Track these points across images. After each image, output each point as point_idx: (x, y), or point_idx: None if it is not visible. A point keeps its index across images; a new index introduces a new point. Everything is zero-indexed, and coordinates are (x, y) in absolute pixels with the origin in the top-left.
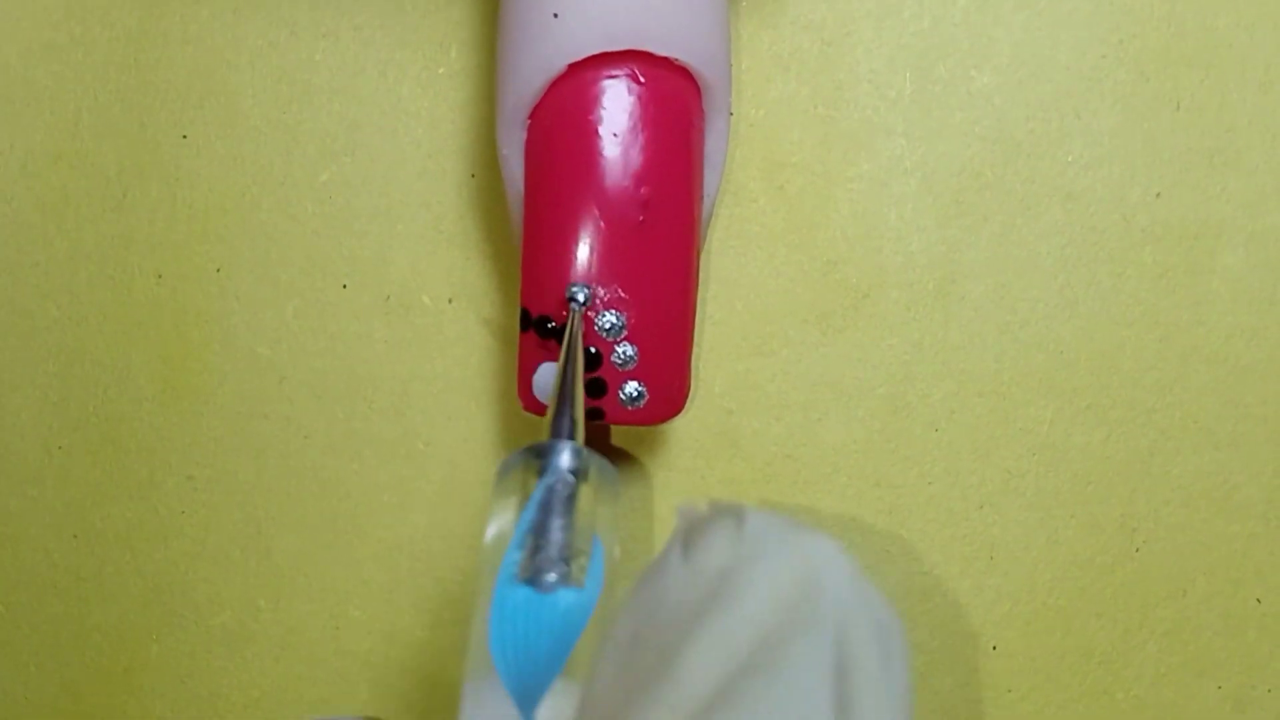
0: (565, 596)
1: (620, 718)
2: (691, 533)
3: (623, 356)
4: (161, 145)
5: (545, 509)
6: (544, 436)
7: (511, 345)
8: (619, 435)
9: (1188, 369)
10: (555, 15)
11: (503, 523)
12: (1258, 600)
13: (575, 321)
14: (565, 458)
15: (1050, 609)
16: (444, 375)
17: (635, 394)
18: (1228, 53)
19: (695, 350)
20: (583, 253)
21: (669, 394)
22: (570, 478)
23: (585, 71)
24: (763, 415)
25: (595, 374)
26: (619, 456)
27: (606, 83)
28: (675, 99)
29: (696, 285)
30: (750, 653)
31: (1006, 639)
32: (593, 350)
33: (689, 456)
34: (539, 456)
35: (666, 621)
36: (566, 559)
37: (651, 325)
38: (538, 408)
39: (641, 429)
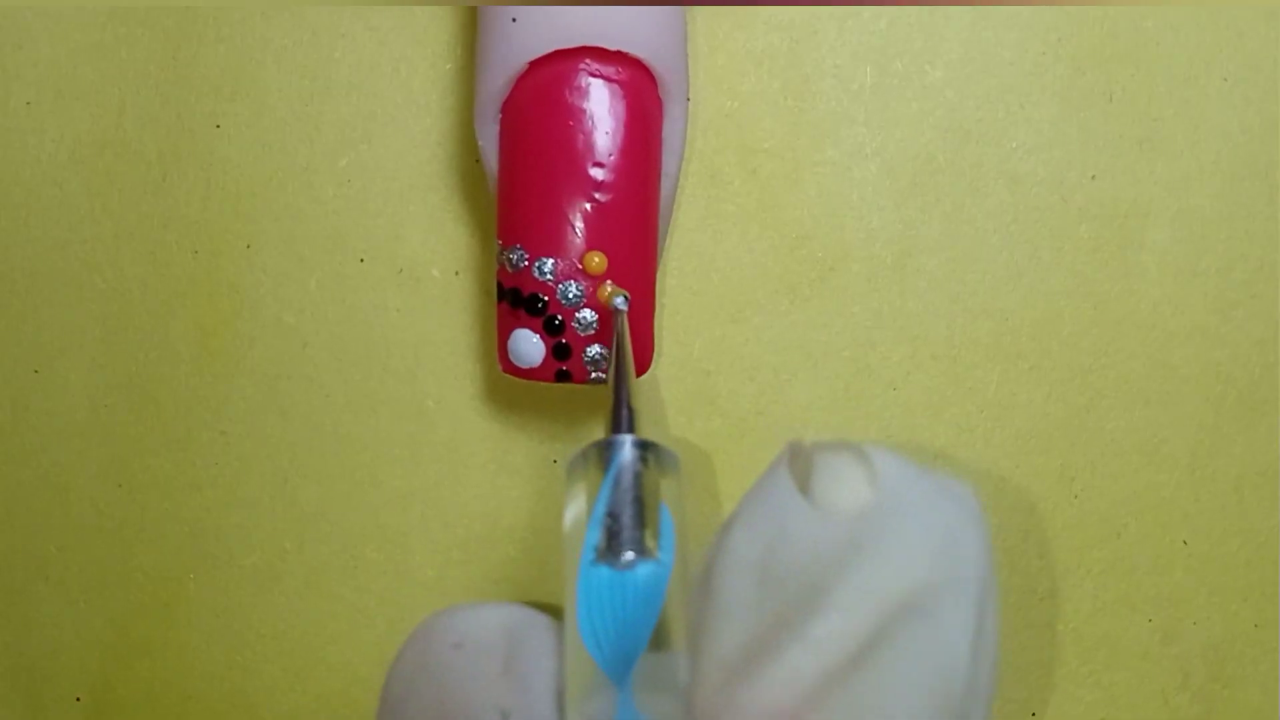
0: (643, 569)
1: (765, 644)
2: (802, 465)
3: (583, 322)
4: (197, 134)
5: (616, 494)
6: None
7: None
8: None
9: (1120, 334)
10: (514, 20)
11: (576, 510)
12: (1184, 542)
13: (620, 325)
14: (629, 447)
15: (997, 549)
16: (451, 340)
17: (597, 355)
18: (1155, 50)
19: (675, 318)
20: (547, 231)
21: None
22: (636, 464)
23: (545, 67)
24: (737, 376)
25: (561, 338)
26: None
27: (563, 76)
28: (629, 89)
29: (656, 257)
30: (901, 600)
31: None
32: (559, 320)
33: (671, 414)
34: (605, 449)
35: (804, 558)
36: (640, 536)
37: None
38: (514, 370)
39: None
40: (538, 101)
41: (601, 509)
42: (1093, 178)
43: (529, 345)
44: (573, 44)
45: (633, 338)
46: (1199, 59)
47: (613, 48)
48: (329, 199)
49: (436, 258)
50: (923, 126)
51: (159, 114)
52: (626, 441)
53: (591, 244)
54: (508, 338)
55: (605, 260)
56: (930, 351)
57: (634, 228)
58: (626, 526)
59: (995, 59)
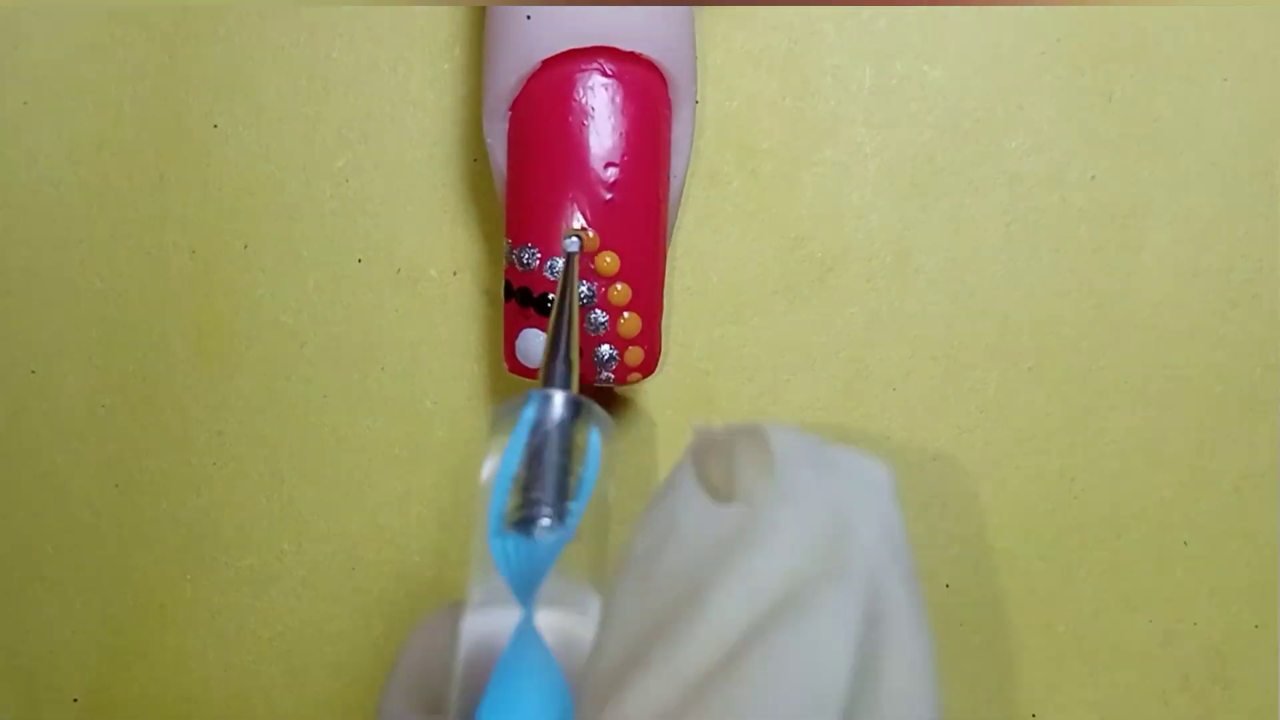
0: (555, 537)
1: (646, 643)
2: (707, 453)
3: (594, 323)
4: (194, 134)
5: (534, 452)
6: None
7: None
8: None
9: (1120, 335)
10: (528, 17)
11: (496, 464)
12: (1184, 543)
13: (570, 270)
14: (556, 403)
15: (998, 551)
16: (449, 340)
17: (607, 356)
18: (1155, 50)
19: (675, 318)
20: (560, 231)
21: (642, 356)
22: (559, 421)
23: (557, 67)
24: (736, 376)
25: None
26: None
27: (577, 76)
28: (641, 89)
29: (665, 257)
30: (781, 596)
31: (958, 578)
32: None
33: (669, 413)
34: (533, 402)
35: (690, 551)
36: (557, 502)
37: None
38: (522, 370)
39: (625, 388)
40: (550, 100)
41: (515, 462)
42: (1093, 178)
43: (538, 345)
44: (587, 43)
45: (643, 339)
46: (1199, 59)
47: (627, 48)
48: (326, 199)
49: (434, 258)
50: (922, 126)
51: (157, 114)
52: (555, 395)
53: (603, 244)
54: (516, 337)
55: (618, 260)
56: (930, 352)
57: (645, 228)
58: (546, 493)
59: (995, 59)
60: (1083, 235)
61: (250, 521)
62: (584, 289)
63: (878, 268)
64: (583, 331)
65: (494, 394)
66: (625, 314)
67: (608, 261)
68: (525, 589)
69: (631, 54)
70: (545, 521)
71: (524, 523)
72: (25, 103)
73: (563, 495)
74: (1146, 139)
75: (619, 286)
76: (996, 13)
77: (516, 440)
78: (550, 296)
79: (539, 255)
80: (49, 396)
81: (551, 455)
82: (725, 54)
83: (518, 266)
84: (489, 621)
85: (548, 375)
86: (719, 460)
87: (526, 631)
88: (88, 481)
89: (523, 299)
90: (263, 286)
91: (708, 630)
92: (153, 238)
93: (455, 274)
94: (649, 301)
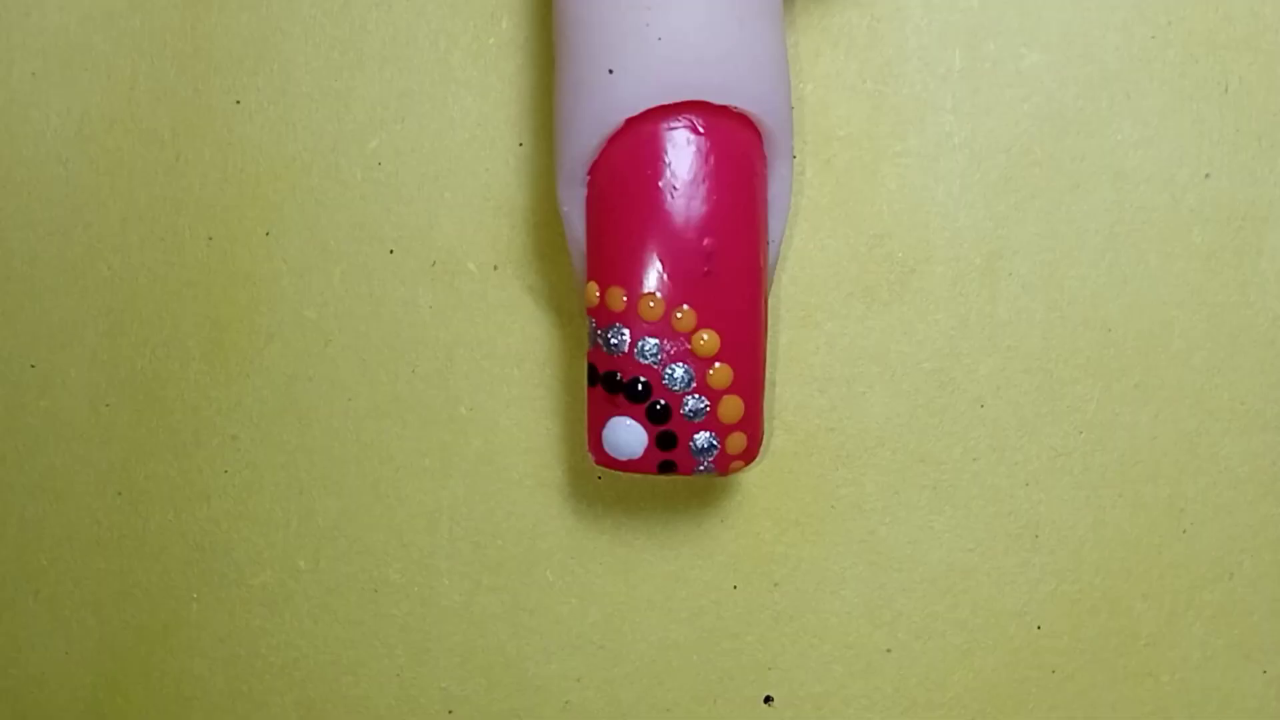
0: None
1: None
2: None
3: (692, 409)
4: (214, 110)
5: None
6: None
7: (557, 313)
8: None
9: (1236, 350)
10: (610, 71)
11: None
12: None
13: None
14: None
15: (1096, 589)
16: (487, 341)
17: (706, 445)
18: (1275, 37)
19: None
20: (650, 307)
21: (745, 442)
22: None
23: (643, 125)
24: (806, 387)
25: (665, 427)
26: None
27: (665, 135)
28: (736, 147)
29: (765, 331)
30: None
31: (1051, 618)
32: (662, 404)
33: None
34: None
35: None
36: None
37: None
38: (609, 462)
39: None
40: (635, 163)
41: None
42: (1206, 176)
43: (629, 435)
44: (676, 98)
45: (745, 423)
46: None
47: (720, 101)
48: (357, 183)
49: (473, 250)
50: (1017, 115)
51: (174, 87)
52: None
53: (701, 322)
54: (602, 426)
55: (717, 339)
56: (1022, 365)
57: (745, 301)
58: None
59: (1099, 42)
60: (1195, 239)
61: (264, 536)
62: (680, 371)
63: (966, 270)
64: (680, 418)
65: (535, 401)
66: (726, 397)
67: (704, 341)
68: None
69: (724, 108)
70: None
71: None
72: (33, 73)
73: None
74: (1266, 134)
75: (718, 367)
76: None
77: None
78: (642, 380)
79: (629, 337)
80: (49, 394)
81: None
82: (800, 33)
83: (604, 349)
84: None
85: None
86: None
87: None
88: (88, 488)
89: (610, 385)
90: (285, 277)
91: None
92: (167, 222)
93: (496, 269)
94: (751, 381)
